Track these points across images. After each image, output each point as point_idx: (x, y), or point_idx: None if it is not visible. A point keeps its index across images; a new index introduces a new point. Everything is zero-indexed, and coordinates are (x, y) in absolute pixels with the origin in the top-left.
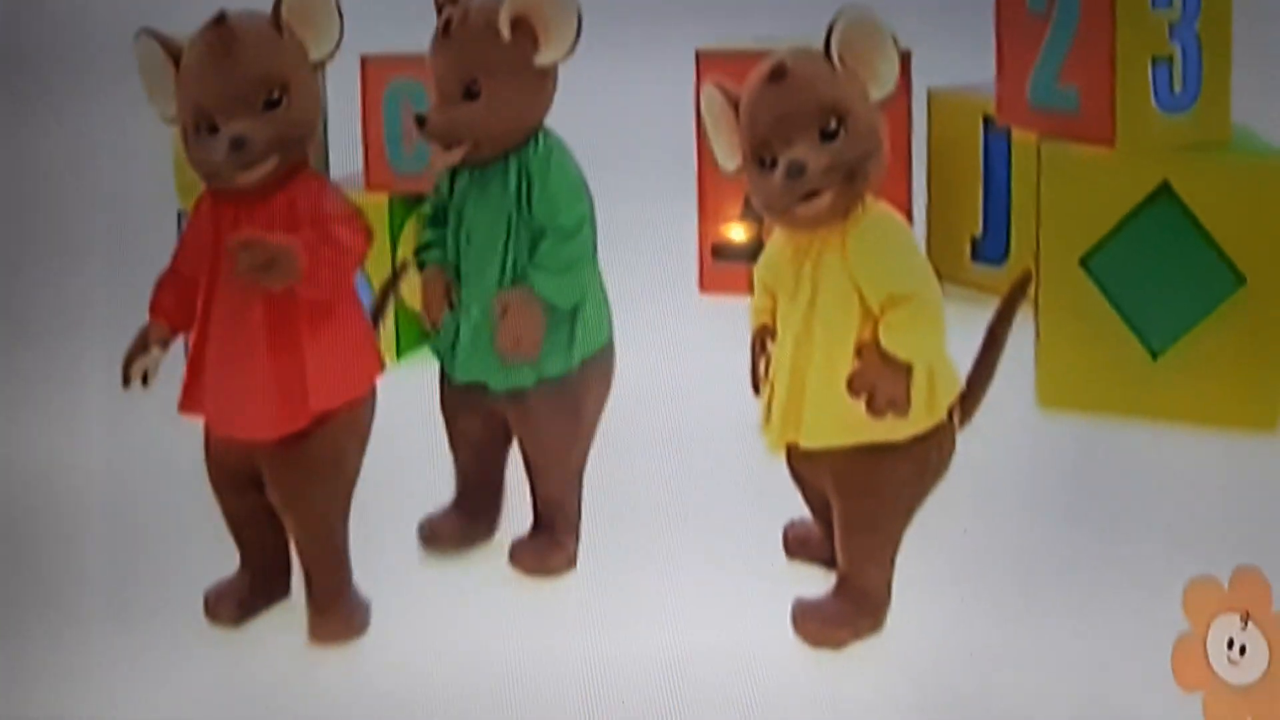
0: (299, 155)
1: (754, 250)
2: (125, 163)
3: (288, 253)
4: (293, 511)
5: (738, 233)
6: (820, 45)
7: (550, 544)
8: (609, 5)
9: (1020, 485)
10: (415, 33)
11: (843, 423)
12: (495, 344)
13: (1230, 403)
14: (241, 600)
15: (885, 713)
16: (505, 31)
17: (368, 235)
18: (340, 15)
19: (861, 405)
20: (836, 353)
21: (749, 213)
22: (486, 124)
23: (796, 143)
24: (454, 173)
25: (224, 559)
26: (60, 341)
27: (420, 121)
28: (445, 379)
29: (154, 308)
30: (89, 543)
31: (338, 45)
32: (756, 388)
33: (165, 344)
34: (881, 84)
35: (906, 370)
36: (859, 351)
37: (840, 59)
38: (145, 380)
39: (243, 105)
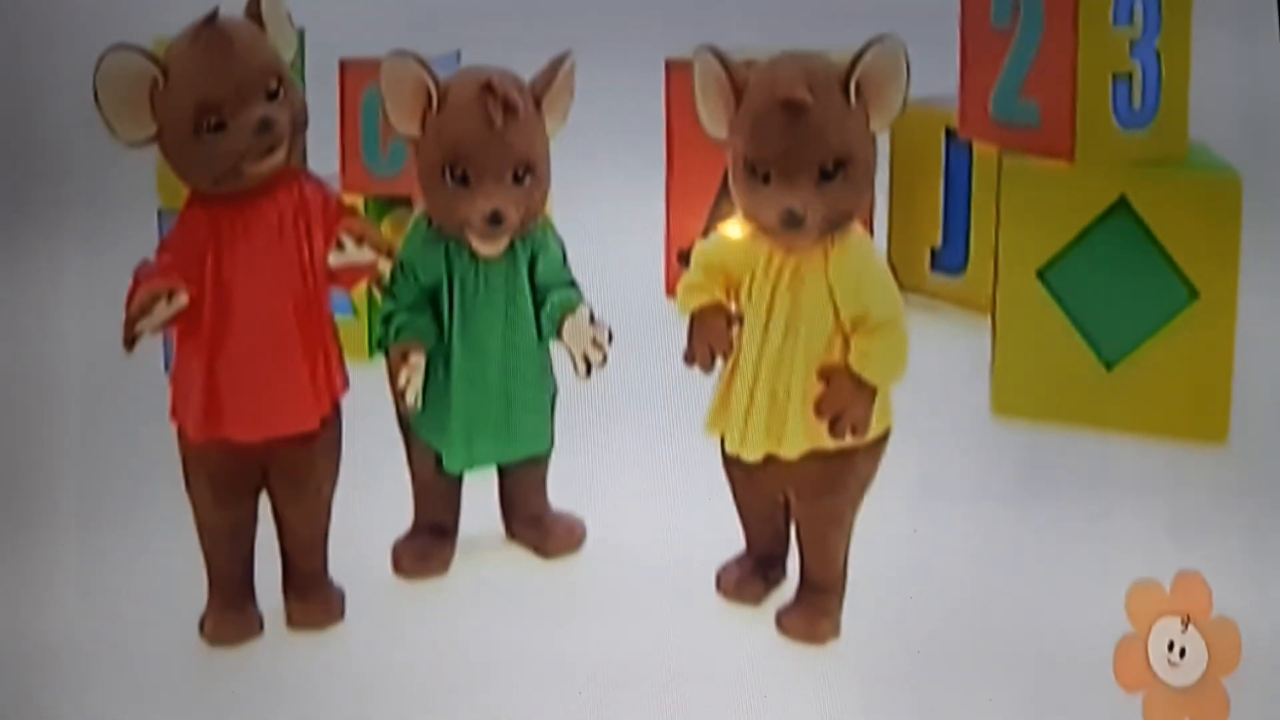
0: (299, 150)
1: None
2: (104, 153)
3: (375, 233)
4: (303, 500)
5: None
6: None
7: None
8: (579, 11)
9: (971, 489)
10: (392, 39)
11: (820, 430)
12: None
13: (1182, 414)
14: (248, 624)
15: (832, 711)
16: (550, 122)
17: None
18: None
19: (824, 426)
20: (817, 363)
21: (715, 218)
22: (535, 207)
23: (797, 180)
24: (443, 255)
25: None
26: (33, 330)
27: (496, 219)
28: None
29: (150, 276)
30: (60, 461)
31: (296, 52)
32: (699, 362)
33: (171, 298)
34: (886, 117)
35: (873, 394)
36: (825, 375)
37: (857, 86)
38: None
39: (251, 94)
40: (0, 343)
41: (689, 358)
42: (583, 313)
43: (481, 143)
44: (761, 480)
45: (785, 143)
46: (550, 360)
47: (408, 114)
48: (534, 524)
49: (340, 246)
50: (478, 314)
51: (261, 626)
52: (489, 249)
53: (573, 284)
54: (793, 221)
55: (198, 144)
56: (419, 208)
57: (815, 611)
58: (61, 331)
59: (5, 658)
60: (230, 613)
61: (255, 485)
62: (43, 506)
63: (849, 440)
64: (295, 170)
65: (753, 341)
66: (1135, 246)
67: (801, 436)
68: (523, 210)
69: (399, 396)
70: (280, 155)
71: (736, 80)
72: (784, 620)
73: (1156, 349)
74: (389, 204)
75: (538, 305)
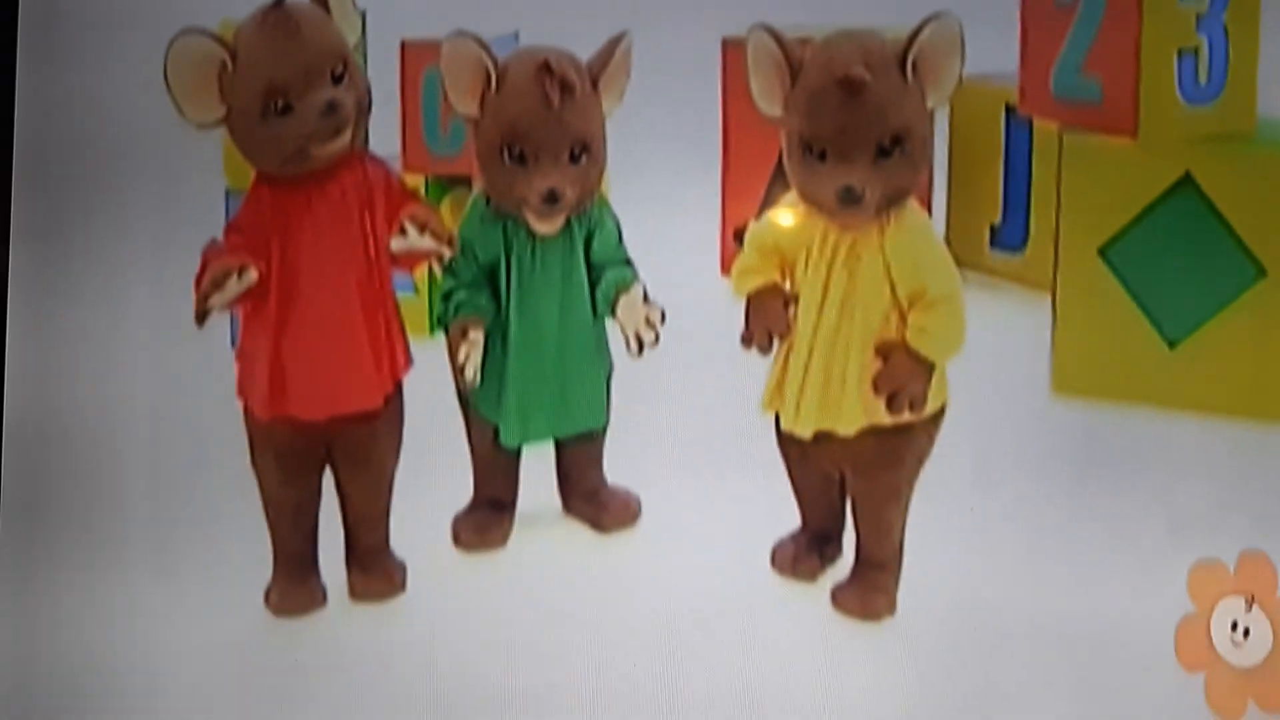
0: (363, 132)
1: None
2: (172, 135)
3: (436, 218)
4: (366, 476)
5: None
6: (866, 30)
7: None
8: None
9: (1030, 468)
10: (452, 19)
11: (877, 406)
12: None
13: (1246, 393)
14: (312, 596)
15: (889, 689)
16: (606, 101)
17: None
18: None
19: (880, 403)
20: (874, 339)
21: (771, 198)
22: (591, 185)
23: (854, 158)
24: (500, 234)
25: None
26: (103, 308)
27: (553, 198)
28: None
29: (220, 254)
30: (133, 491)
31: (360, 35)
32: (758, 343)
33: (242, 273)
34: (942, 95)
35: (930, 370)
36: (883, 352)
37: (913, 64)
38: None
39: (318, 77)
40: (70, 323)
41: (746, 340)
42: (636, 291)
43: (539, 122)
44: (817, 457)
45: (842, 120)
46: (605, 337)
47: (467, 94)
48: (590, 499)
49: (403, 233)
50: (534, 291)
51: (325, 598)
52: (546, 227)
53: (628, 262)
54: (851, 199)
55: (265, 126)
56: (478, 186)
57: (871, 588)
58: (131, 310)
59: (81, 640)
60: (295, 585)
61: (320, 461)
62: (113, 477)
63: (907, 416)
64: (359, 152)
65: (808, 319)
66: (1200, 224)
67: (858, 413)
68: (579, 189)
69: (458, 372)
70: (345, 138)
71: (792, 58)
72: (839, 597)
73: (1221, 327)
74: (450, 183)
75: (593, 283)
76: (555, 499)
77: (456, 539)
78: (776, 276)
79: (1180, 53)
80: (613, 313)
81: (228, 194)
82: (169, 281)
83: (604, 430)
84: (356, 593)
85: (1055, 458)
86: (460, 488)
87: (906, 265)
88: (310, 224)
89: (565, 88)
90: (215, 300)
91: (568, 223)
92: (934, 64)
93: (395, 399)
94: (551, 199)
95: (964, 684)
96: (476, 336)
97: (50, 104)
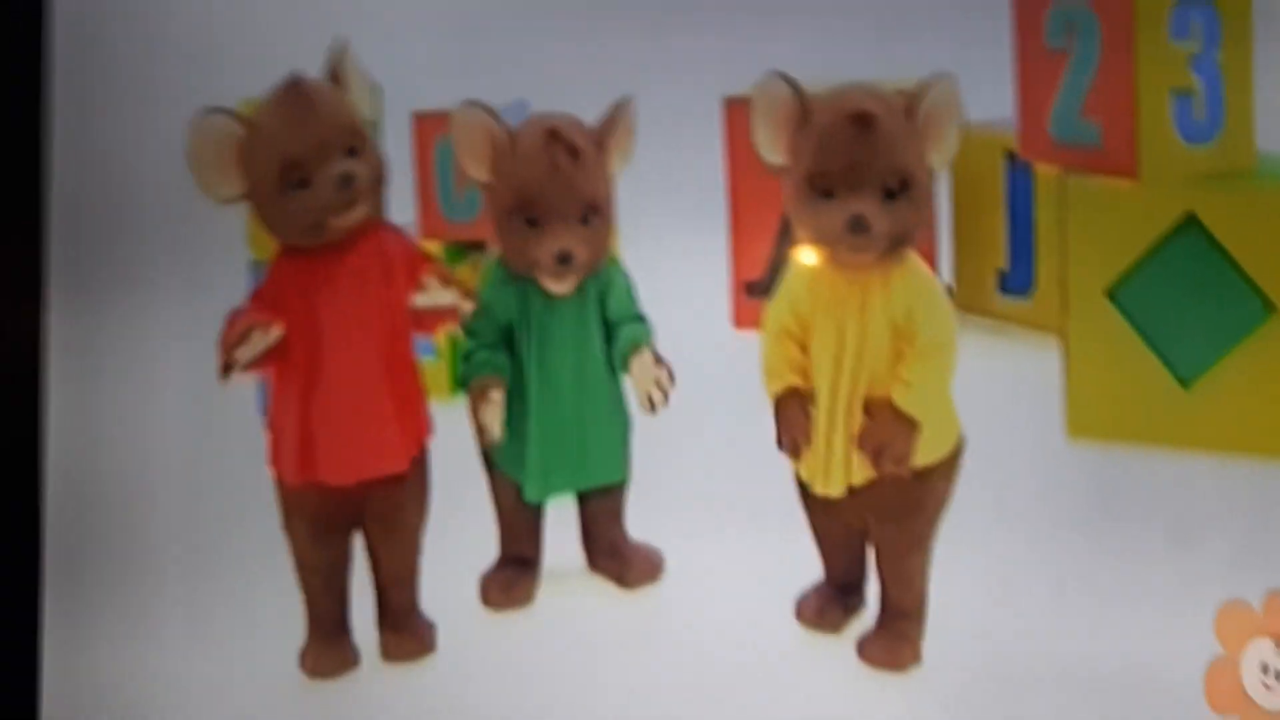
0: (380, 203)
1: None
2: (197, 211)
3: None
4: (395, 538)
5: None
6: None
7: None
8: (638, 55)
9: (1048, 512)
10: (463, 89)
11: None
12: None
13: (1264, 431)
14: (345, 657)
15: None
16: (613, 162)
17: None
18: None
19: (867, 461)
20: (883, 391)
21: (781, 250)
22: (602, 245)
23: (862, 193)
24: (516, 295)
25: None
26: (136, 375)
27: (565, 259)
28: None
29: (245, 313)
30: (165, 544)
31: (377, 110)
32: (787, 450)
33: (267, 329)
34: (944, 155)
35: (915, 427)
36: (868, 408)
37: (921, 119)
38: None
39: (333, 151)
40: (98, 395)
41: (779, 444)
42: (647, 353)
43: (549, 186)
44: (839, 510)
45: (852, 156)
46: (623, 393)
47: (478, 161)
48: (613, 554)
49: (423, 288)
50: (551, 350)
51: (358, 659)
52: (560, 287)
53: (641, 318)
54: (859, 227)
55: (283, 200)
56: (494, 250)
57: (896, 637)
58: (162, 378)
59: (118, 701)
60: (328, 647)
61: (350, 525)
62: (147, 552)
63: (891, 471)
64: (376, 221)
65: (825, 380)
66: (1206, 262)
67: (868, 468)
68: (590, 249)
69: (480, 431)
70: (362, 209)
71: (805, 101)
72: (865, 648)
73: (1234, 365)
74: (467, 248)
75: (609, 340)
76: (579, 556)
77: (485, 598)
78: (795, 376)
79: (1175, 92)
80: (627, 370)
81: (253, 265)
82: (198, 349)
83: (624, 484)
84: (389, 653)
85: (1074, 501)
86: (486, 547)
87: (908, 312)
88: (330, 292)
89: (572, 153)
90: (240, 354)
91: (581, 284)
92: (938, 122)
93: (421, 461)
94: (564, 260)
95: None
96: (497, 395)
97: (82, 178)
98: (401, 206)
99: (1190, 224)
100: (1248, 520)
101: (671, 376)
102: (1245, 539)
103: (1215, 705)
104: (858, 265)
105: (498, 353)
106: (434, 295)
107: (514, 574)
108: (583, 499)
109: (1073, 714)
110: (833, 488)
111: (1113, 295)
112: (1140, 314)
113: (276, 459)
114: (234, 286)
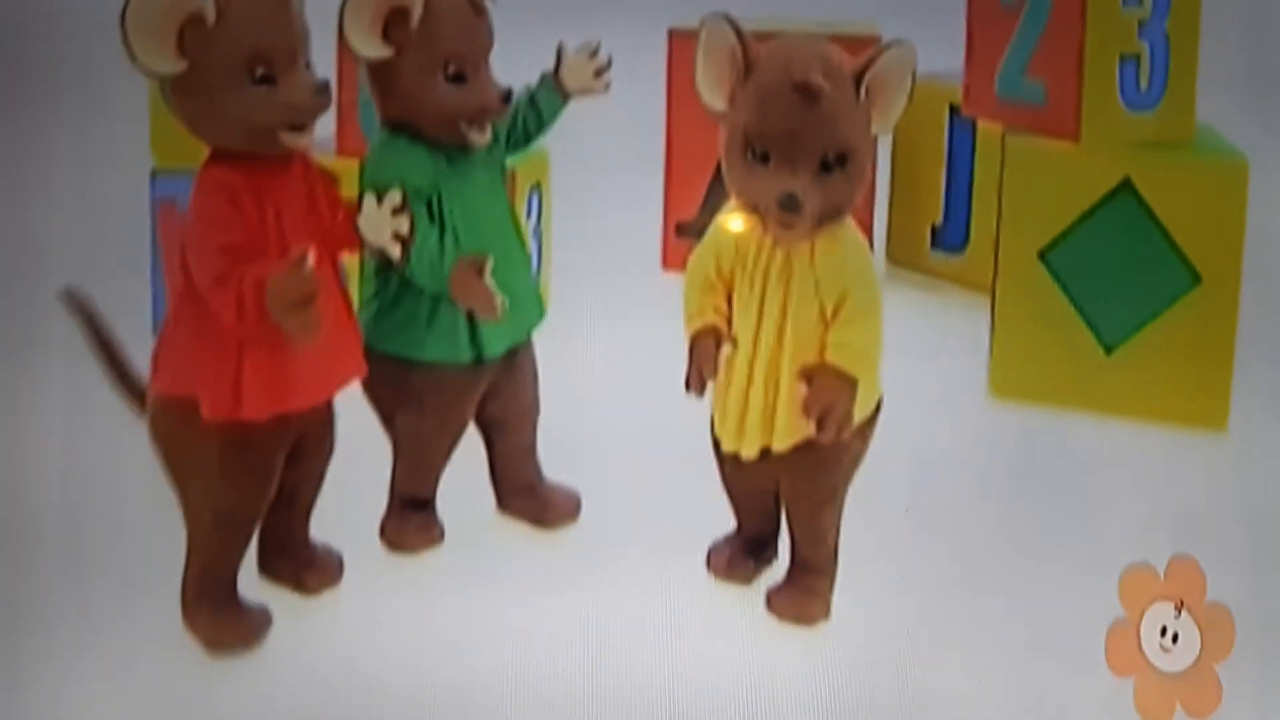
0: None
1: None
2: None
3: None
4: (322, 465)
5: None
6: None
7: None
8: None
9: (966, 470)
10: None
11: (791, 421)
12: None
13: (1182, 400)
14: (257, 620)
15: (820, 694)
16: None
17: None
18: None
19: (811, 425)
20: (806, 357)
21: (714, 193)
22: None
23: (798, 165)
24: (429, 158)
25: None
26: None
27: (508, 97)
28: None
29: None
30: (47, 549)
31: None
32: (693, 387)
33: (303, 260)
34: (888, 122)
35: (854, 385)
36: (806, 375)
37: (867, 87)
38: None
39: (299, 56)
40: None
41: (686, 383)
42: (569, 58)
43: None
44: (752, 468)
45: (792, 125)
46: (525, 231)
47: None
48: (529, 494)
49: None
50: (474, 205)
51: (268, 618)
52: (482, 139)
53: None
54: (791, 205)
55: (241, 92)
56: (381, 129)
57: (805, 593)
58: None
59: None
60: (232, 612)
61: (278, 459)
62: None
63: (835, 436)
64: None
65: (746, 339)
66: (1138, 229)
67: (792, 430)
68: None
69: (486, 310)
70: (312, 133)
71: (749, 51)
72: (774, 600)
73: (1157, 334)
74: None
75: (527, 132)
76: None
77: (386, 539)
78: (716, 317)
79: (1123, 58)
80: (563, 97)
81: (154, 174)
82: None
83: (531, 344)
84: (310, 586)
85: (991, 461)
86: (378, 488)
87: (834, 279)
88: (287, 205)
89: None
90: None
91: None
92: (886, 90)
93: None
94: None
95: (896, 689)
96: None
97: None
98: (319, 122)
99: (1125, 190)
100: (1158, 486)
101: (610, 61)
102: (1155, 505)
103: (1115, 667)
104: (790, 237)
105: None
106: (374, 223)
107: (421, 516)
108: (492, 438)
109: (976, 672)
110: (746, 448)
111: (1045, 257)
112: (1070, 277)
113: (215, 399)
114: (136, 199)
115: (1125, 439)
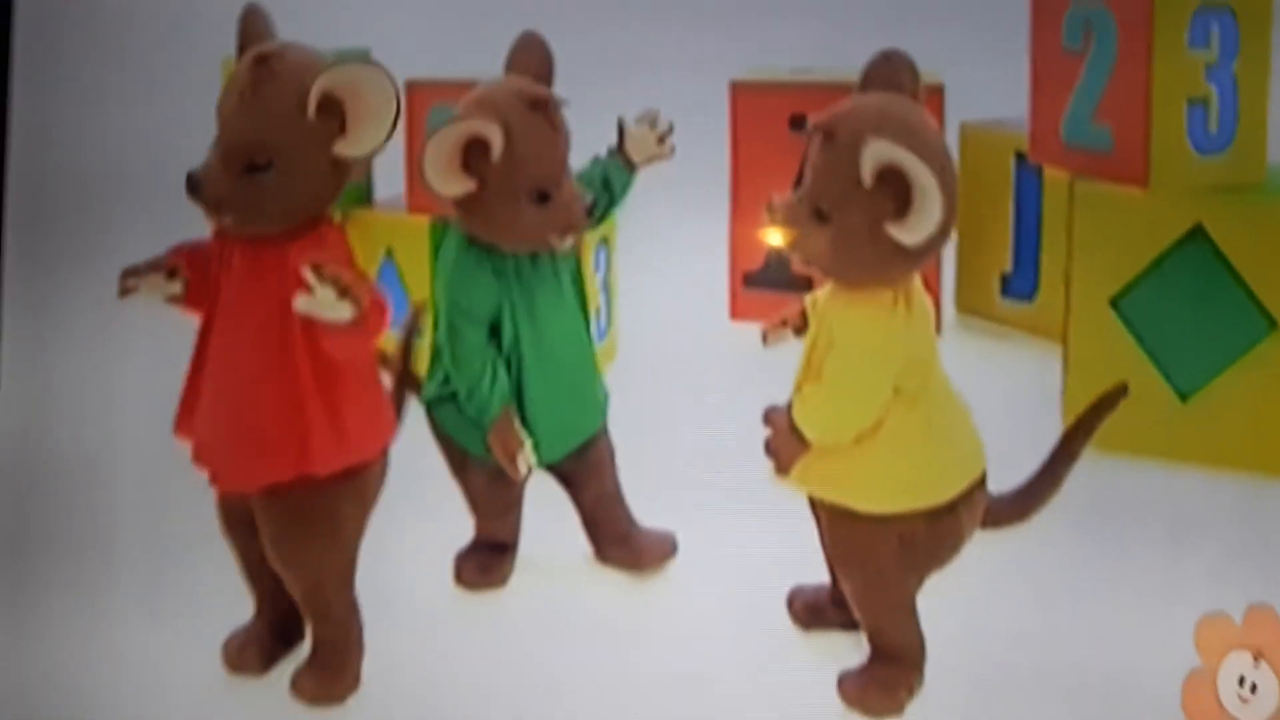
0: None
1: (785, 278)
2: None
3: (359, 288)
4: (281, 566)
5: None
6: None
7: None
8: (643, 30)
9: (1041, 519)
10: (458, 60)
11: (820, 475)
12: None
13: (1258, 447)
14: (264, 648)
15: None
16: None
17: (387, 306)
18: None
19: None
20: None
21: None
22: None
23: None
24: (495, 274)
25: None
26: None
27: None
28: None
29: (171, 253)
30: (123, 540)
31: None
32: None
33: (172, 275)
34: (913, 233)
35: (801, 439)
36: (766, 415)
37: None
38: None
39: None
40: (55, 371)
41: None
42: (632, 130)
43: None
44: (820, 525)
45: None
46: (591, 335)
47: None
48: (623, 542)
49: (310, 290)
50: (541, 317)
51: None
52: (567, 246)
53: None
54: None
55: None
56: (453, 239)
57: (873, 683)
58: (118, 357)
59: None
60: (278, 644)
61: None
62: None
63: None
64: (326, 225)
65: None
66: (1211, 275)
67: (809, 476)
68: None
69: (513, 469)
70: (258, 227)
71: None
72: (843, 683)
73: (1232, 381)
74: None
75: (609, 202)
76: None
77: (459, 578)
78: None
79: (1190, 102)
80: (631, 169)
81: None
82: (162, 329)
83: (605, 430)
84: (314, 696)
85: (1065, 509)
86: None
87: (828, 333)
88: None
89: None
90: (135, 282)
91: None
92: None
93: (316, 503)
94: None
95: None
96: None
97: (46, 136)
98: (390, 179)
99: (1197, 235)
100: (1234, 534)
101: (671, 127)
102: (1230, 552)
103: (1191, 716)
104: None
105: (499, 364)
106: (319, 300)
107: (489, 558)
108: (581, 495)
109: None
110: (797, 486)
111: (1116, 304)
112: (1142, 324)
113: (179, 414)
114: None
115: (1200, 487)
